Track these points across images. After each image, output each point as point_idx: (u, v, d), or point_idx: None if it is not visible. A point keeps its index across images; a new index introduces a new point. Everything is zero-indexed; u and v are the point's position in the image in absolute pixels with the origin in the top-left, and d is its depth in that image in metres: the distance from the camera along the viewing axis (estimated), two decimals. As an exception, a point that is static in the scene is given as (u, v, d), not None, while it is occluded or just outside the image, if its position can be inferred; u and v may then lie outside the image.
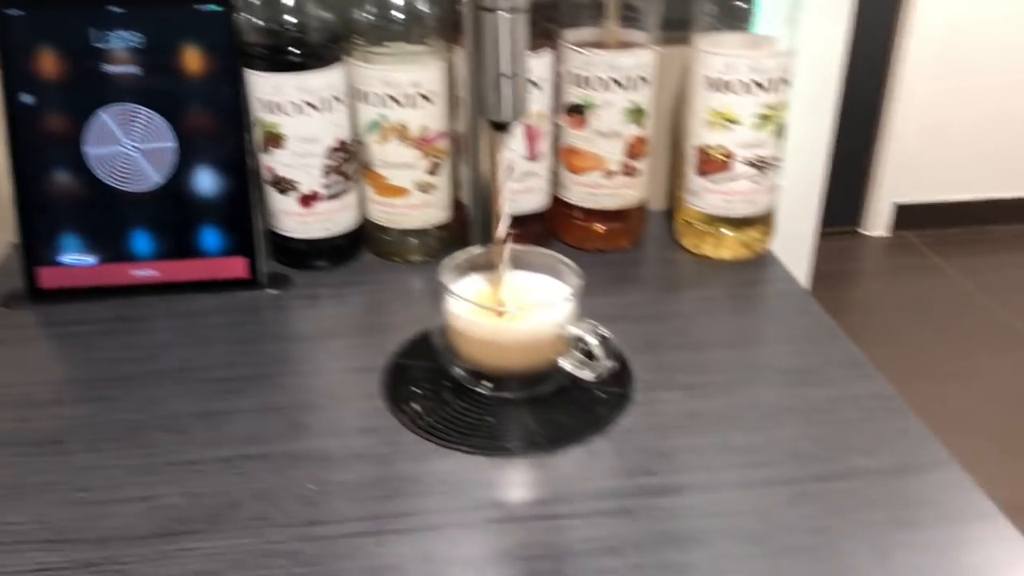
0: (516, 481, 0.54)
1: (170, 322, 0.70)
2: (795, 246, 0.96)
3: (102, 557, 0.48)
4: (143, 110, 0.70)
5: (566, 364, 0.59)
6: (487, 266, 0.63)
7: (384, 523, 0.50)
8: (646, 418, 0.59)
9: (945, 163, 2.72)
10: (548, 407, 0.60)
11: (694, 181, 0.76)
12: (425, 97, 0.71)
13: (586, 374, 0.58)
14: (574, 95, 0.73)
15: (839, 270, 2.64)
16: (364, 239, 0.79)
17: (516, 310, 0.59)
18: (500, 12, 0.49)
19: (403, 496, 0.52)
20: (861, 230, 2.82)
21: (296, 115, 0.70)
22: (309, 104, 0.69)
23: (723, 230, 0.77)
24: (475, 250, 0.62)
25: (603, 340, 0.56)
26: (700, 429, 0.57)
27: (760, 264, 0.78)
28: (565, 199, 0.79)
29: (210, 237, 0.73)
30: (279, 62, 0.68)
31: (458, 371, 0.61)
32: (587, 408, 0.60)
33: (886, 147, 2.67)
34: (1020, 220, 2.82)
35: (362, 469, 0.54)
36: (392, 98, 0.70)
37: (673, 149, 0.85)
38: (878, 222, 2.79)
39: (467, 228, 0.79)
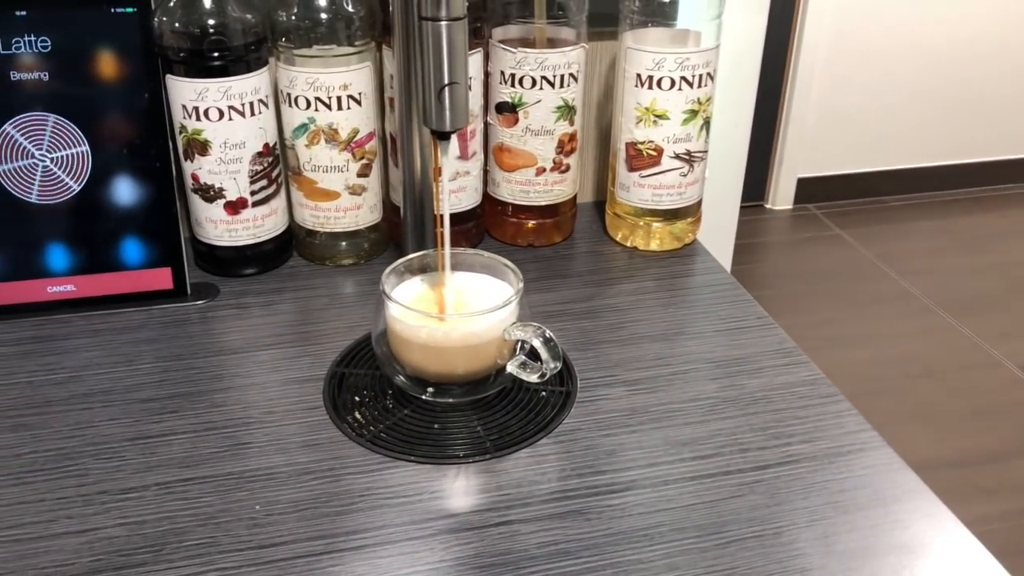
0: (467, 489, 0.54)
1: (92, 340, 0.67)
2: (719, 230, 0.99)
3: (41, 597, 0.46)
4: (54, 118, 0.66)
5: (511, 368, 0.59)
6: (426, 270, 0.62)
7: (338, 541, 0.49)
8: (591, 416, 0.59)
9: (841, 139, 2.83)
10: (493, 411, 0.60)
11: (624, 176, 0.77)
12: (354, 99, 0.69)
13: (531, 377, 0.58)
14: (504, 93, 0.73)
15: (747, 244, 2.71)
16: (292, 244, 0.78)
17: (459, 315, 0.59)
18: (441, 21, 0.48)
19: (354, 512, 0.52)
20: (767, 204, 2.91)
21: (221, 121, 0.67)
22: (234, 109, 0.67)
23: (653, 222, 0.78)
24: (414, 254, 0.61)
25: (548, 342, 0.56)
26: (644, 425, 0.59)
27: (689, 254, 0.80)
28: (497, 196, 0.79)
29: (131, 248, 0.70)
30: (201, 67, 0.66)
31: (400, 379, 0.60)
32: (532, 409, 0.60)
33: (787, 125, 2.76)
34: (910, 190, 2.96)
35: (310, 486, 0.53)
36: (321, 101, 0.69)
37: (601, 142, 0.86)
38: (782, 196, 2.88)
39: (398, 230, 0.78)
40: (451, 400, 0.60)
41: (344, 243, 0.76)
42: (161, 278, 0.71)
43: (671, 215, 0.78)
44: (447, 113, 0.53)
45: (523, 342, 0.59)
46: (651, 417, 0.59)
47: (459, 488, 0.54)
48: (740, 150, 0.92)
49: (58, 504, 0.52)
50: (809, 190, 2.90)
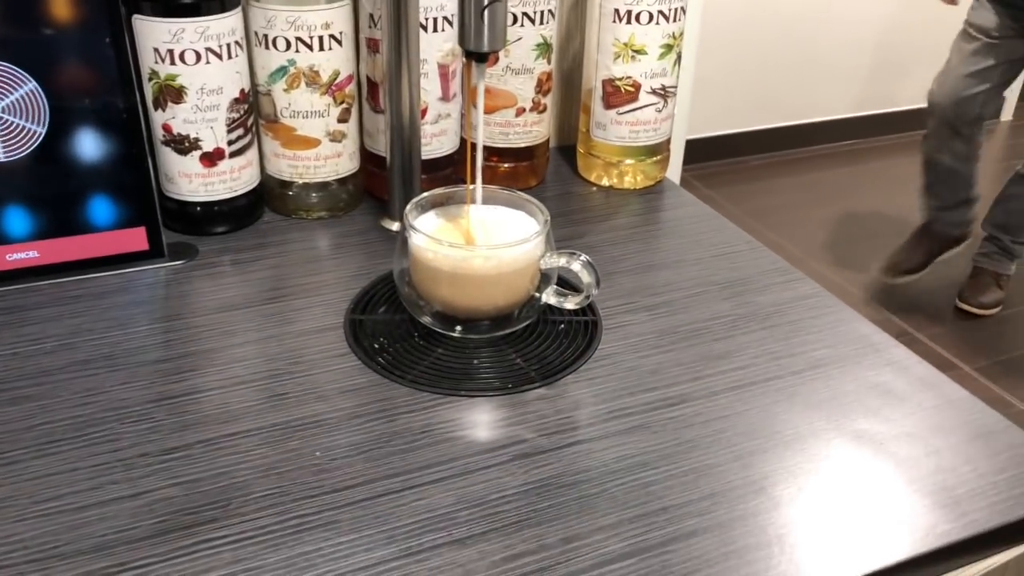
0: (528, 416, 0.53)
1: (72, 306, 0.61)
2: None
3: (111, 566, 0.42)
4: (4, 66, 0.60)
5: (547, 298, 0.58)
6: (441, 205, 0.61)
7: (414, 476, 0.48)
8: (623, 340, 0.60)
9: (703, 104, 2.95)
10: (526, 344, 0.59)
11: (601, 114, 0.77)
12: (336, 39, 0.66)
13: (569, 304, 0.58)
14: (487, 31, 0.72)
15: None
16: (264, 199, 0.74)
17: (496, 245, 0.58)
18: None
19: (421, 447, 0.50)
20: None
21: (198, 64, 0.63)
22: (212, 51, 0.63)
23: (626, 160, 0.79)
24: (437, 190, 0.60)
25: (587, 265, 0.56)
26: (676, 344, 0.60)
27: (662, 190, 0.81)
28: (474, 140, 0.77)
29: (100, 208, 0.64)
30: (174, 5, 0.61)
31: (427, 318, 0.59)
32: (564, 339, 0.60)
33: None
34: (768, 149, 3.13)
35: (365, 428, 0.51)
36: (302, 41, 0.65)
37: (563, 83, 0.86)
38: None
39: (374, 179, 0.76)
40: (482, 336, 0.59)
41: (321, 194, 0.72)
42: (135, 239, 0.66)
43: (643, 152, 0.79)
44: (486, 32, 0.51)
45: (547, 274, 0.59)
46: (681, 336, 0.60)
47: (518, 416, 0.53)
48: (687, 86, 0.95)
49: (96, 471, 0.47)
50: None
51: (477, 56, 0.53)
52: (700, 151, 3.03)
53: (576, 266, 0.56)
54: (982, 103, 1.81)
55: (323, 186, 0.72)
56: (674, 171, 0.98)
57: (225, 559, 0.43)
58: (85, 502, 0.45)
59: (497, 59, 0.73)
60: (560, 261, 0.57)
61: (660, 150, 0.80)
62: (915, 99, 3.07)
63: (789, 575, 0.43)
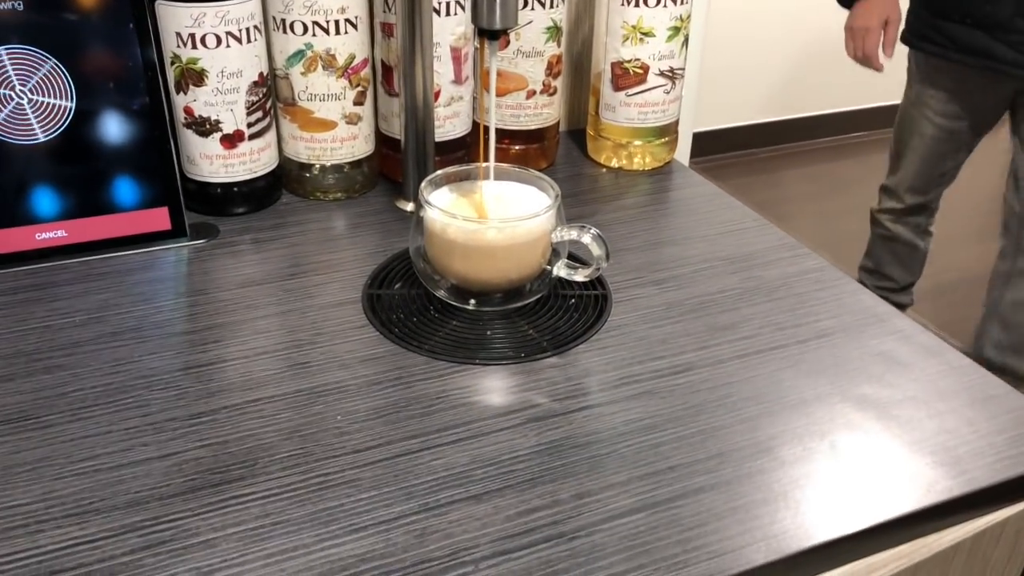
0: (540, 383, 0.55)
1: (100, 283, 0.63)
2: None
3: (145, 519, 0.44)
4: (32, 51, 0.62)
5: (559, 271, 0.60)
6: (456, 182, 0.63)
7: (432, 438, 0.50)
8: (632, 312, 0.62)
9: (711, 97, 2.97)
10: (537, 316, 0.61)
11: (610, 96, 0.79)
12: (351, 23, 0.68)
13: (579, 276, 0.60)
14: (499, 14, 0.73)
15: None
16: (283, 181, 0.76)
17: (508, 218, 0.59)
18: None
19: (438, 411, 0.52)
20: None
21: (218, 48, 0.65)
22: (232, 35, 0.65)
23: (635, 141, 0.81)
24: (450, 168, 0.61)
25: (598, 238, 0.58)
26: (684, 316, 0.61)
27: (671, 171, 0.83)
28: (484, 123, 0.79)
29: (124, 189, 0.67)
30: (195, -11, 0.63)
31: (442, 292, 0.61)
32: (575, 312, 0.62)
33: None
34: (776, 142, 3.14)
35: (384, 394, 0.53)
36: (319, 25, 0.67)
37: (571, 68, 0.88)
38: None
39: (388, 161, 0.78)
40: (495, 308, 0.61)
41: (338, 176, 0.74)
42: (158, 218, 0.68)
43: (652, 134, 0.81)
44: (498, 10, 0.53)
45: (557, 249, 0.60)
46: (688, 308, 0.62)
47: (531, 383, 0.55)
48: (692, 73, 0.96)
49: (128, 434, 0.49)
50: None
51: (490, 34, 0.55)
52: (707, 144, 3.04)
53: (587, 239, 0.58)
54: (950, 172, 1.61)
55: (339, 168, 0.74)
56: (682, 156, 1.00)
57: (253, 513, 0.45)
58: (119, 462, 0.47)
59: (508, 42, 0.75)
60: (571, 234, 0.58)
61: (668, 131, 0.82)
62: (924, 90, 3.08)
63: (794, 528, 0.45)
